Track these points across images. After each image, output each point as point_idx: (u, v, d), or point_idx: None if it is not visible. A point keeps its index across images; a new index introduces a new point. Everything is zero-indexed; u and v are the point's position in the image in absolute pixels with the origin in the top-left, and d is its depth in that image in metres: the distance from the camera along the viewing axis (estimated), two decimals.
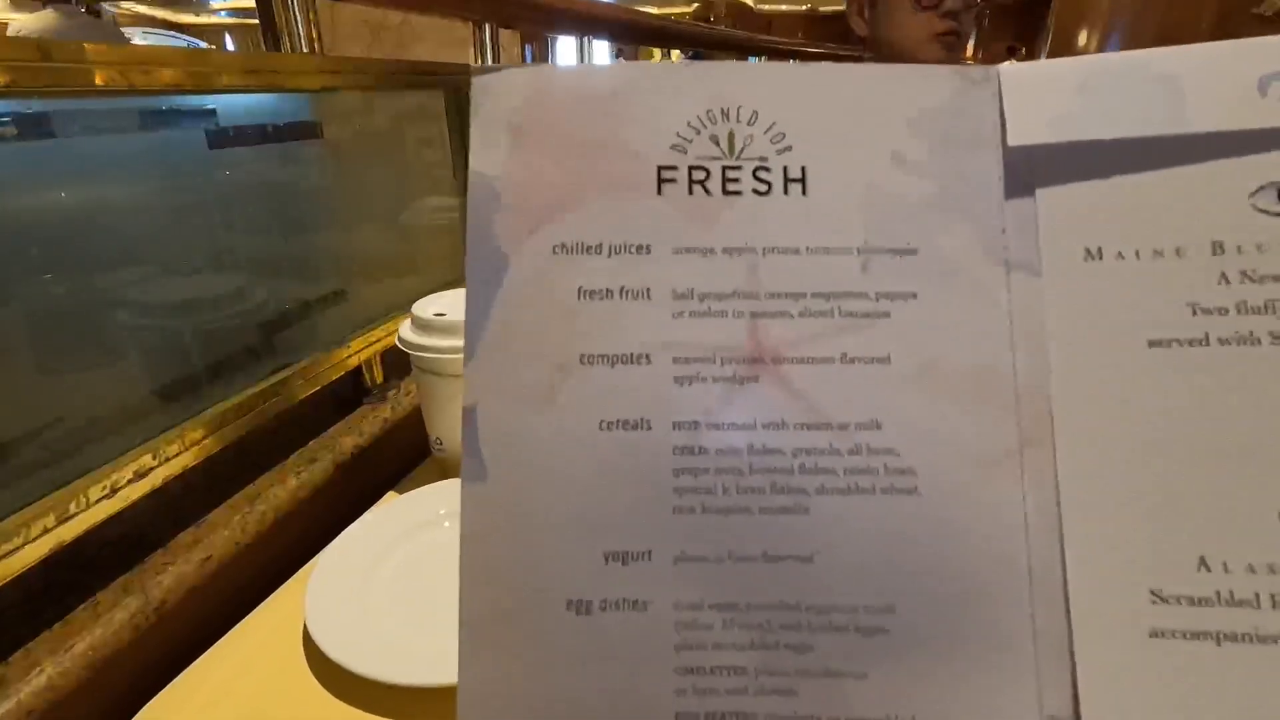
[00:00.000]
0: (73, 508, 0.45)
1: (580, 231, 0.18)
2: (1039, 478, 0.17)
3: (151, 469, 0.51)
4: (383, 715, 0.43)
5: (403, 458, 0.69)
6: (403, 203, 0.84)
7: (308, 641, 0.47)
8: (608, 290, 0.18)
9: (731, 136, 0.18)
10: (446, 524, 0.57)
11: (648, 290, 0.18)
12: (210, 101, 0.57)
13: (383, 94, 0.77)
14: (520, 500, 0.18)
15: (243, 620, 0.51)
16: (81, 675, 0.44)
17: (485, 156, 0.18)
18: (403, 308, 0.64)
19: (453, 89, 0.85)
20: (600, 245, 0.18)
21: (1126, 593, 0.16)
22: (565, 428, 0.18)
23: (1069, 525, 0.16)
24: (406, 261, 0.86)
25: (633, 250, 0.18)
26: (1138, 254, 0.16)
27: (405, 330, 0.62)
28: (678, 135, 0.18)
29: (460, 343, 0.59)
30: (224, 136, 0.58)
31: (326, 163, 0.72)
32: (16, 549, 0.42)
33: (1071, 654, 0.16)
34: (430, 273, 0.88)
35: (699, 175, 0.18)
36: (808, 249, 0.18)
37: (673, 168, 0.18)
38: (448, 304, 0.62)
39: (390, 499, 0.64)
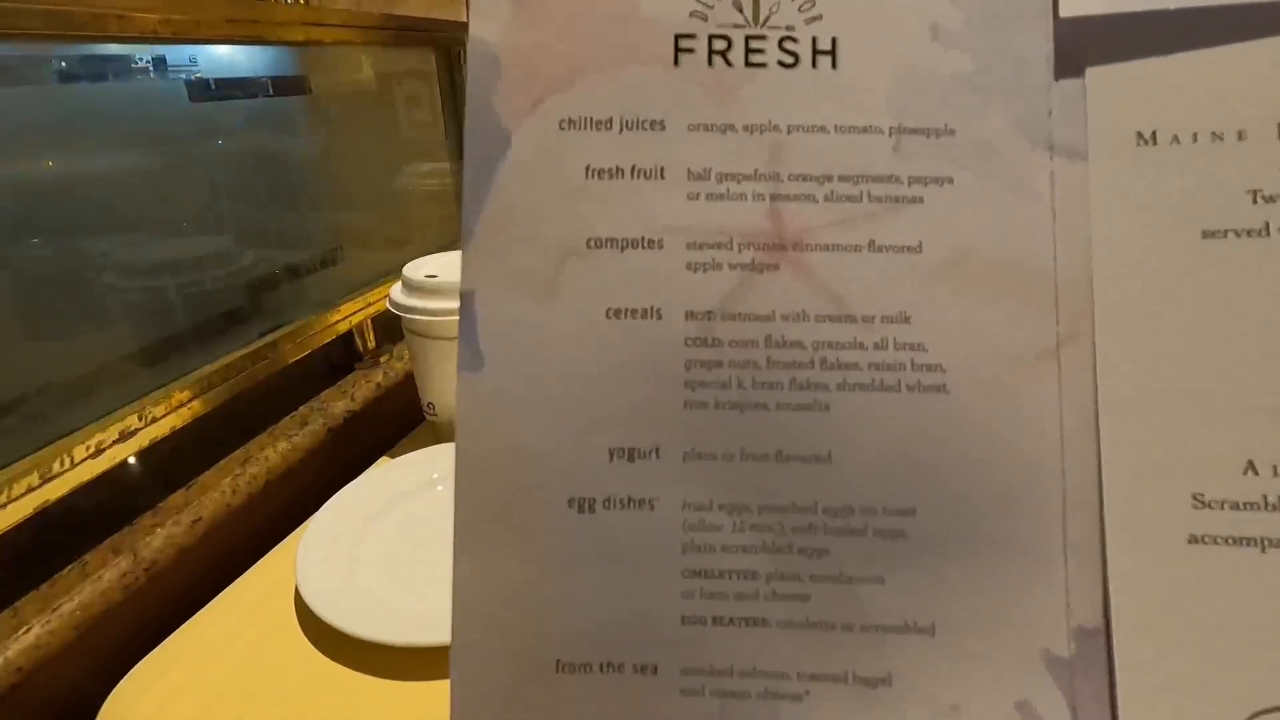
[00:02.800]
0: (56, 467, 0.45)
1: (589, 105, 0.17)
2: (1077, 377, 0.16)
3: (137, 430, 0.50)
4: (374, 675, 0.42)
5: (395, 423, 0.69)
6: (394, 166, 0.82)
7: (299, 603, 0.47)
8: (618, 169, 0.17)
9: (756, 3, 0.17)
10: (439, 488, 0.57)
11: (661, 169, 0.17)
12: (190, 52, 0.55)
13: (372, 51, 0.75)
14: (520, 391, 0.17)
15: (234, 582, 0.51)
16: (69, 635, 0.43)
17: (486, 21, 0.17)
18: (395, 272, 0.62)
19: (444, 48, 0.83)
20: (610, 120, 0.17)
21: (1166, 497, 0.15)
22: (569, 315, 0.17)
23: (1107, 427, 0.16)
24: (398, 225, 0.84)
25: (646, 126, 0.17)
26: (1195, 137, 0.15)
27: (396, 293, 0.61)
28: (697, 0, 0.17)
29: (453, 305, 0.58)
30: (205, 89, 0.56)
31: (314, 121, 0.70)
32: (0, 506, 0.42)
33: (1103, 561, 0.16)
34: (423, 237, 0.87)
35: (719, 45, 0.17)
36: (835, 128, 0.16)
37: (691, 36, 0.17)
38: (439, 266, 0.61)
39: (383, 464, 0.63)
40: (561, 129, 0.17)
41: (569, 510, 0.17)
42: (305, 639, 0.45)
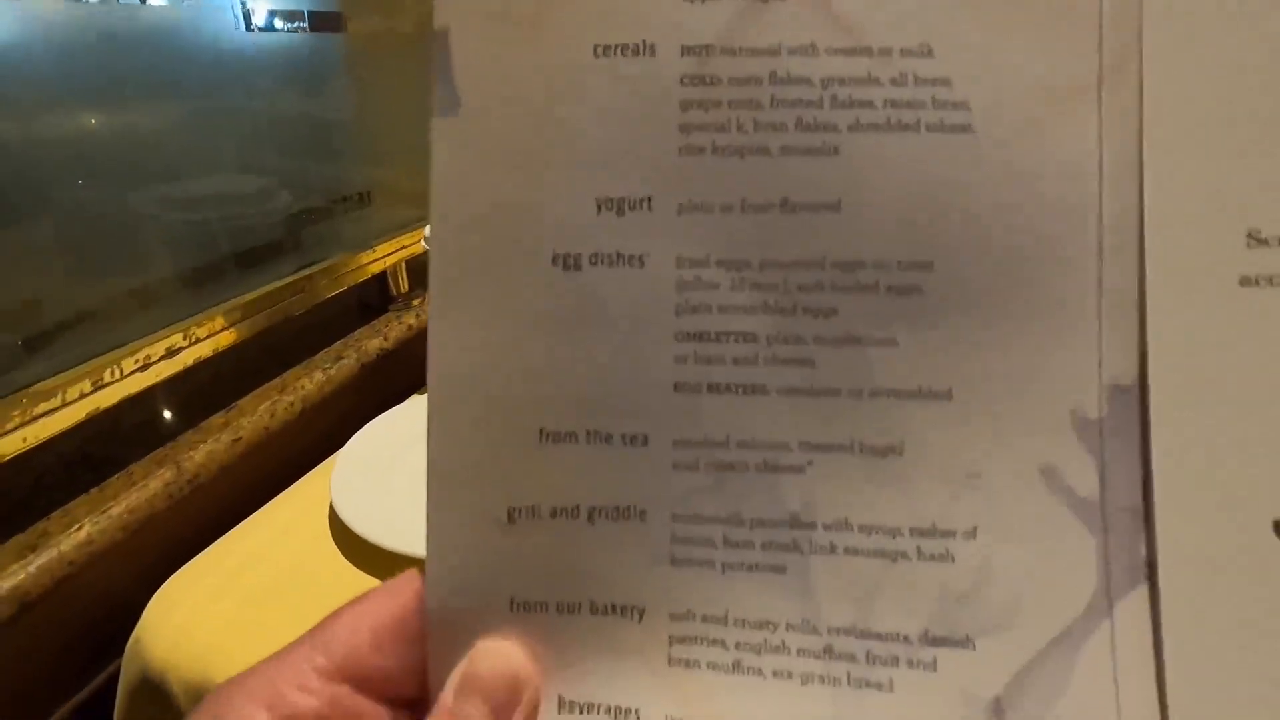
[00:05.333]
0: (107, 376, 0.46)
1: None
2: (1120, 113, 0.14)
3: (182, 349, 0.52)
4: None
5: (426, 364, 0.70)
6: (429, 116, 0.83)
7: (333, 520, 0.48)
8: None
9: None
10: None
11: None
12: None
13: None
14: (499, 136, 0.16)
15: (271, 500, 0.52)
16: (118, 535, 0.45)
17: None
18: (423, 220, 0.63)
19: None
20: None
21: (1216, 236, 0.14)
22: (554, 52, 0.15)
23: (1152, 163, 0.14)
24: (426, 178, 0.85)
25: None
26: None
27: (430, 231, 0.61)
28: None
29: None
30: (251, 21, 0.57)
31: (352, 63, 0.71)
32: (55, 409, 0.44)
33: (1141, 311, 0.14)
34: None
35: None
36: None
37: None
38: None
39: (415, 401, 0.64)
40: None
41: (553, 267, 0.16)
42: (338, 552, 0.47)
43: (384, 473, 0.52)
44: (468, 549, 0.16)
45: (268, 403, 0.56)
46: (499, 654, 0.15)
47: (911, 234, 0.15)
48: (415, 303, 0.74)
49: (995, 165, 0.15)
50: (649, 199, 0.15)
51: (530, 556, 0.16)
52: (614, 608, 0.16)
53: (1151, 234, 0.14)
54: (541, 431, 0.16)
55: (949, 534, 0.15)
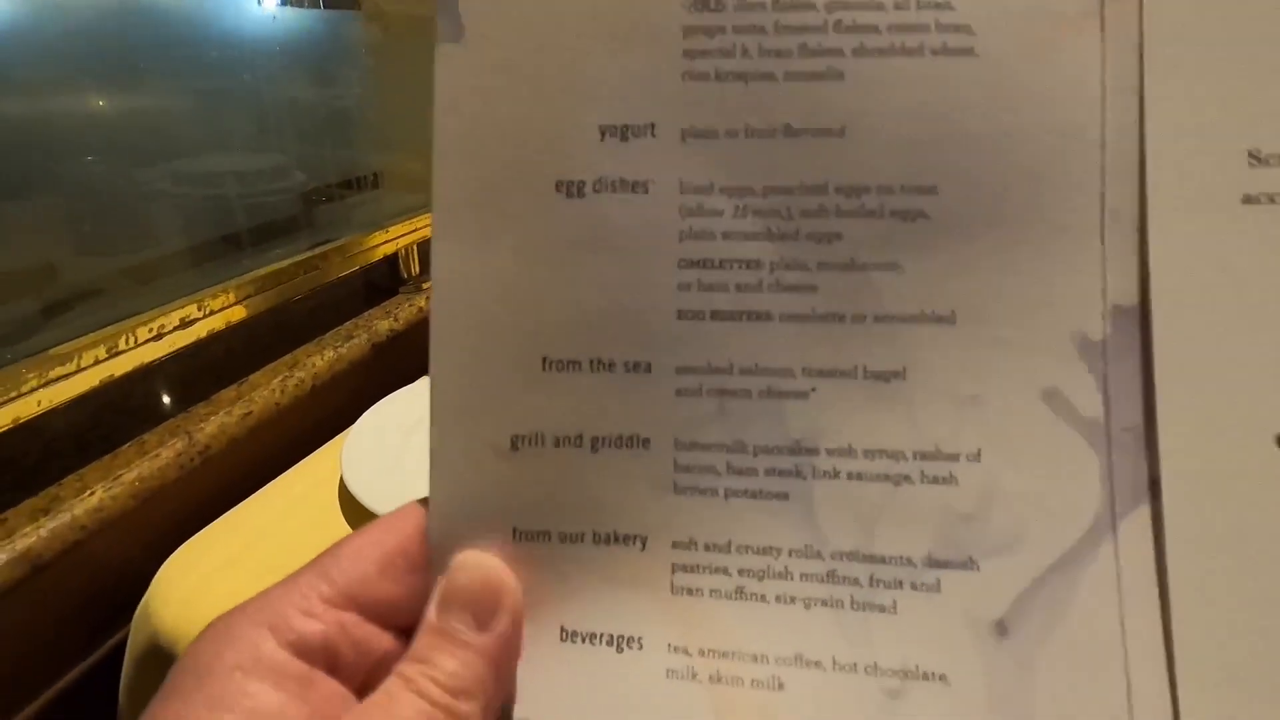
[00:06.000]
0: (121, 344, 0.46)
1: None
2: (1122, 35, 0.14)
3: (196, 320, 0.52)
4: None
5: None
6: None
7: (343, 495, 0.48)
8: None
9: None
10: None
11: None
12: None
13: None
14: (502, 63, 0.16)
15: (281, 475, 0.53)
16: (129, 503, 0.45)
17: None
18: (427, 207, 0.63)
19: None
20: None
21: (1217, 156, 0.14)
22: None
23: (1152, 86, 0.14)
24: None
25: None
26: None
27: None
28: None
29: None
30: None
31: (368, 43, 0.71)
32: (70, 374, 0.44)
33: (1143, 233, 0.14)
34: None
35: None
36: None
37: None
38: None
39: (426, 381, 0.64)
40: None
41: (556, 194, 0.16)
42: (348, 528, 0.47)
43: (395, 449, 0.52)
44: (471, 477, 0.16)
45: (278, 378, 0.57)
46: (476, 564, 0.15)
47: (915, 158, 0.15)
48: (425, 285, 0.74)
49: (998, 89, 0.15)
50: (653, 125, 0.16)
51: (533, 485, 0.16)
52: (617, 537, 0.16)
53: (1153, 155, 0.14)
54: (544, 359, 0.16)
55: (952, 457, 0.15)
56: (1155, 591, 0.14)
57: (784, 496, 0.15)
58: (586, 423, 0.16)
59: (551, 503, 0.16)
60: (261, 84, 0.60)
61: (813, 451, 0.15)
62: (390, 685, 0.14)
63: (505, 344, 0.16)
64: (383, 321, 0.67)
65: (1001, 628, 0.14)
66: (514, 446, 0.16)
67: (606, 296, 0.16)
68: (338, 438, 0.56)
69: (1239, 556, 0.14)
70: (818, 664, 0.15)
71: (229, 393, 0.54)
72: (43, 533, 0.41)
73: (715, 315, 0.16)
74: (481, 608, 0.15)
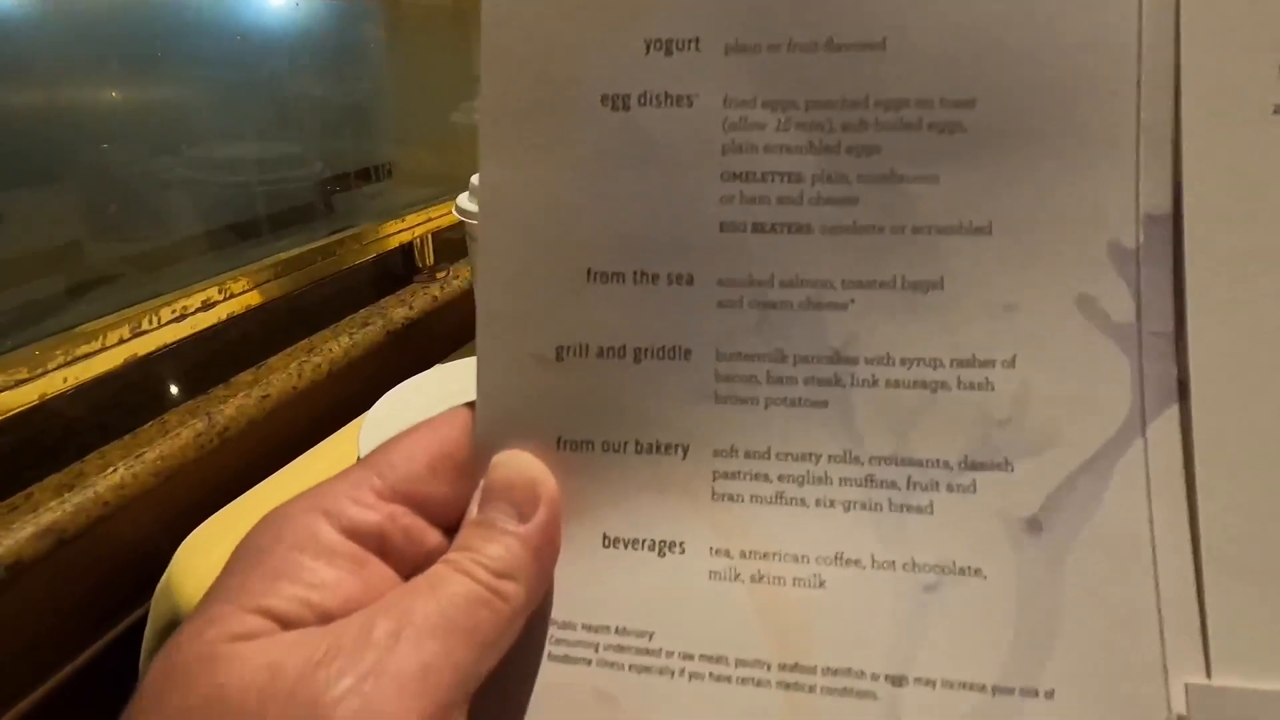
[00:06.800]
0: (145, 324, 0.47)
1: None
2: None
3: (217, 303, 0.52)
4: None
5: (451, 337, 0.71)
6: (464, 93, 0.83)
7: None
8: None
9: None
10: None
11: None
12: None
13: None
14: None
15: (298, 457, 0.53)
16: (150, 480, 0.46)
17: None
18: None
19: None
20: None
21: (1250, 67, 0.14)
22: None
23: (1188, 1, 0.15)
24: (468, 148, 0.86)
25: None
26: None
27: (463, 200, 0.62)
28: None
29: None
30: None
31: (388, 36, 0.72)
32: (95, 352, 0.44)
33: (1176, 143, 0.15)
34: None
35: None
36: None
37: None
38: None
39: (441, 368, 0.65)
40: None
41: (602, 108, 0.16)
42: None
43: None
44: (516, 387, 0.16)
45: (296, 362, 0.57)
46: (514, 460, 0.16)
47: (955, 71, 0.15)
48: (440, 275, 0.74)
49: (1036, 2, 0.15)
50: (697, 39, 0.16)
51: (577, 395, 0.16)
52: (658, 446, 0.16)
53: (1187, 66, 0.15)
54: (589, 271, 0.16)
55: (988, 363, 0.15)
56: (1183, 489, 0.14)
57: (823, 404, 0.16)
58: (630, 334, 0.16)
59: (595, 412, 0.16)
60: (283, 73, 0.61)
61: (852, 360, 0.16)
62: (436, 569, 0.15)
63: (550, 256, 0.16)
64: (398, 309, 0.67)
65: (1034, 524, 0.15)
66: (559, 357, 0.16)
67: (650, 209, 0.16)
68: (354, 422, 0.57)
69: (1265, 453, 0.14)
70: (857, 562, 0.15)
71: (247, 375, 0.55)
72: (67, 508, 0.41)
73: (757, 228, 0.16)
74: (521, 500, 0.15)
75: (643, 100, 0.16)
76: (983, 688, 0.14)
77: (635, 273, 0.16)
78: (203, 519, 0.47)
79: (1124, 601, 0.14)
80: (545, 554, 0.15)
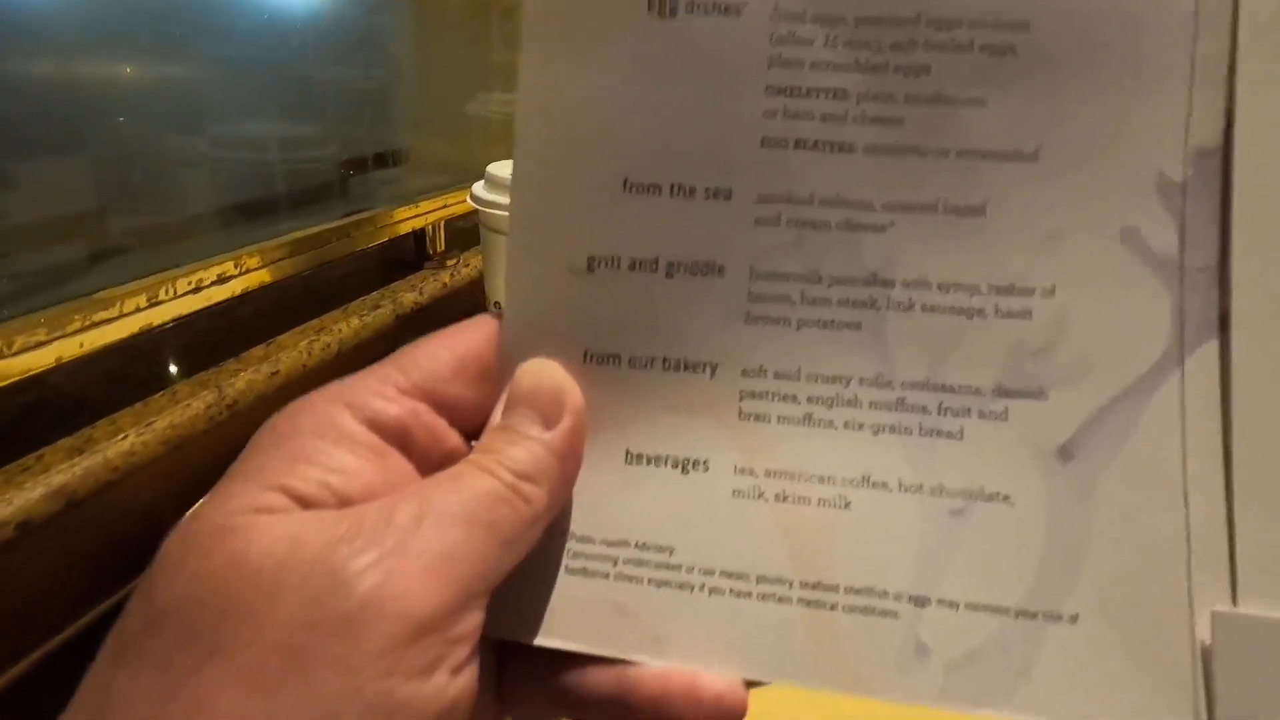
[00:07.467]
0: (162, 294, 0.48)
1: None
2: None
3: (232, 277, 0.53)
4: None
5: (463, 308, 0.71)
6: (481, 84, 0.84)
7: None
8: None
9: None
10: None
11: None
12: None
13: None
14: None
15: None
16: (159, 449, 0.46)
17: None
18: (471, 184, 0.64)
19: None
20: None
21: None
22: None
23: None
24: (481, 139, 0.86)
25: None
26: None
27: (478, 188, 0.63)
28: None
29: None
30: None
31: (412, 19, 0.72)
32: (111, 319, 0.45)
33: (1231, 77, 0.14)
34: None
35: None
36: None
37: None
38: None
39: None
40: None
41: (648, 13, 0.16)
42: None
43: None
44: (546, 296, 0.16)
45: (306, 341, 0.58)
46: (540, 369, 0.16)
47: None
48: (450, 263, 0.75)
49: None
50: None
51: (607, 308, 0.16)
52: (686, 364, 0.16)
53: (1245, 3, 0.14)
54: (626, 181, 0.16)
55: (1027, 291, 0.15)
56: (1218, 423, 0.14)
57: (856, 326, 0.15)
58: (663, 247, 0.16)
59: (623, 326, 0.16)
60: (307, 54, 0.62)
61: (888, 283, 0.15)
62: (459, 466, 0.14)
63: (587, 163, 0.16)
64: (408, 294, 0.68)
65: (1065, 452, 0.15)
66: (590, 268, 0.16)
67: (692, 120, 0.16)
68: None
69: None
70: (884, 485, 0.15)
71: (258, 351, 0.55)
72: (77, 470, 0.42)
73: (799, 144, 0.16)
74: (546, 407, 0.15)
75: (690, 7, 0.16)
76: (1006, 610, 0.14)
77: (673, 185, 0.16)
78: (209, 490, 0.47)
79: (1153, 530, 0.14)
80: (568, 462, 0.15)
